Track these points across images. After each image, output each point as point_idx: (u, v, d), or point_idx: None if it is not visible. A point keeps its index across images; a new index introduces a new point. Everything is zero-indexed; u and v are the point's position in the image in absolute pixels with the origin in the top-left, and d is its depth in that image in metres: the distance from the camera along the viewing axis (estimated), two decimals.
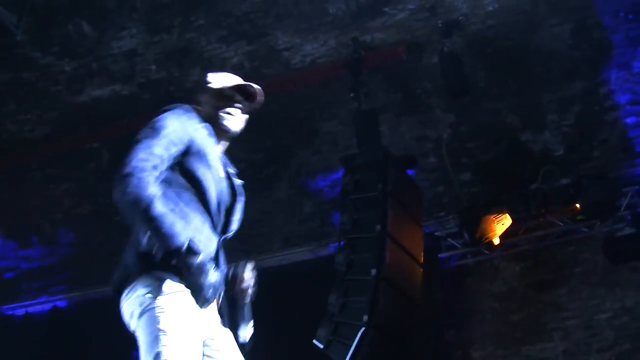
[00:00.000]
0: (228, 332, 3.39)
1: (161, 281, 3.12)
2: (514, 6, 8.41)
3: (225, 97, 3.51)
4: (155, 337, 3.05)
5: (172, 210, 3.12)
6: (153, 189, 3.05)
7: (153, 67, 8.97)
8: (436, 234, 9.09)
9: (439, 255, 9.02)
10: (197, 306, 3.17)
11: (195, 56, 8.66)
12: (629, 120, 9.04)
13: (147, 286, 3.13)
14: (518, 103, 9.05)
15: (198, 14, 8.61)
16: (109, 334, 9.39)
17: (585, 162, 9.10)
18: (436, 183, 9.22)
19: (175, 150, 3.21)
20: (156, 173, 3.11)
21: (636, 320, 8.79)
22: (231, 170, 3.60)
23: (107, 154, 9.79)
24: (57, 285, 10.39)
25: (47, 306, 10.36)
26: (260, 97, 3.57)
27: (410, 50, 8.52)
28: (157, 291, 3.11)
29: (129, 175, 3.04)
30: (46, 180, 10.10)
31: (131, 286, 3.17)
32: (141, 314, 3.13)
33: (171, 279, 3.12)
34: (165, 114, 3.32)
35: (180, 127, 3.26)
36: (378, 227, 7.14)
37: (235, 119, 3.51)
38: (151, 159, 3.12)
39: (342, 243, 7.42)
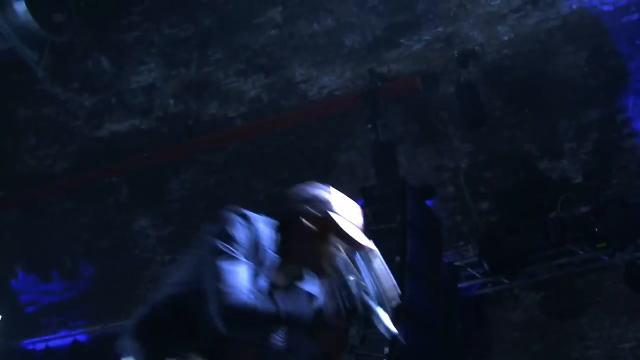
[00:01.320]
0: None
1: None
2: (529, 35, 8.45)
3: (337, 240, 2.91)
4: None
5: None
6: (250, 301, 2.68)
7: (171, 101, 9.06)
8: (455, 263, 9.05)
9: (458, 285, 8.98)
10: None
11: (213, 90, 8.76)
12: None
13: None
14: (535, 131, 9.04)
15: (215, 48, 8.71)
16: None
17: (604, 189, 9.06)
18: (455, 213, 9.20)
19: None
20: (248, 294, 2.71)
21: None
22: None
23: (126, 188, 9.86)
24: (77, 320, 10.42)
25: (68, 340, 10.38)
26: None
27: (427, 81, 8.55)
28: None
29: (228, 306, 2.66)
30: (66, 215, 10.17)
31: None
32: None
33: None
34: (236, 227, 2.81)
35: (250, 249, 2.80)
36: (397, 259, 7.13)
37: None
38: (239, 289, 2.70)
39: None
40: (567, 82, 8.80)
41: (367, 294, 2.92)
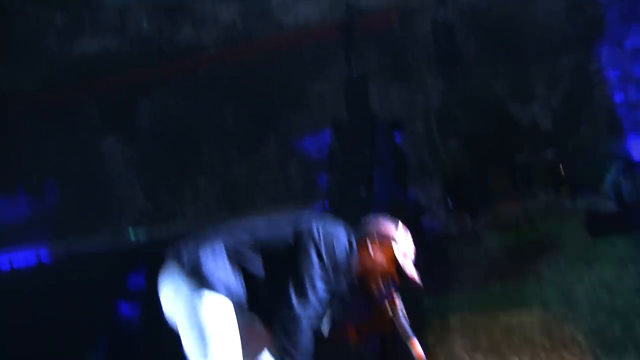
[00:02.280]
0: None
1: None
2: None
3: (390, 267, 3.31)
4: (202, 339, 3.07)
5: None
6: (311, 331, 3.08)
7: (144, 23, 8.94)
8: (420, 200, 9.13)
9: (422, 222, 9.08)
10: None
11: (187, 13, 8.63)
12: (617, 97, 9.09)
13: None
14: (509, 75, 9.08)
15: None
16: (94, 285, 9.48)
17: (572, 136, 9.15)
18: (423, 150, 9.25)
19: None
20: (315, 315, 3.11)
21: (612, 294, 8.89)
22: None
23: (96, 108, 9.77)
24: (42, 239, 10.40)
25: (32, 259, 10.37)
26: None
27: (403, 17, 8.51)
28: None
29: (294, 322, 3.04)
30: (34, 133, 10.08)
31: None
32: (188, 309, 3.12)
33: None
34: (338, 239, 3.19)
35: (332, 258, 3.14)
36: (363, 190, 7.18)
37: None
38: (311, 306, 3.09)
39: (326, 204, 7.47)
40: (543, 27, 8.81)
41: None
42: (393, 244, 3.32)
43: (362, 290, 3.34)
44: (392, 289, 3.34)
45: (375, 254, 3.29)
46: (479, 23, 8.84)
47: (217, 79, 9.06)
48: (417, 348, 3.32)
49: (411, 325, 3.38)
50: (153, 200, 9.84)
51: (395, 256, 3.31)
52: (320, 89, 9.01)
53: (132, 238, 9.68)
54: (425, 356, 3.36)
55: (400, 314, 3.34)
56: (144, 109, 9.53)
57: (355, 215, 7.02)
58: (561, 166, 8.62)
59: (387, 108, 8.84)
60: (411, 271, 3.33)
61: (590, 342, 8.87)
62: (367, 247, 3.29)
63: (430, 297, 9.27)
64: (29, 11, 9.33)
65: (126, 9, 8.96)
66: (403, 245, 3.35)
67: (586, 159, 8.63)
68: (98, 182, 9.79)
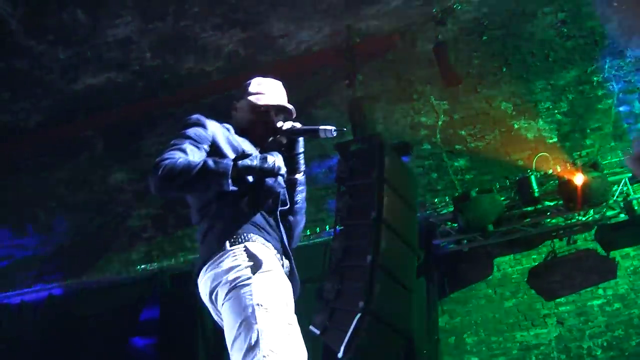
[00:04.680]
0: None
1: (243, 250, 3.32)
2: None
3: (262, 113, 3.74)
4: (246, 316, 3.16)
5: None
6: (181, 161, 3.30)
7: (148, 54, 8.96)
8: (430, 220, 9.11)
9: (433, 242, 9.05)
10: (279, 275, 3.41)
11: (190, 44, 8.65)
12: (621, 108, 9.09)
13: (231, 258, 3.30)
14: (512, 91, 9.09)
15: (192, 1, 8.59)
16: (104, 322, 9.47)
17: (578, 149, 9.14)
18: (430, 170, 9.25)
19: (200, 146, 3.45)
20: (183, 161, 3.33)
21: (628, 306, 8.85)
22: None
23: (102, 142, 9.79)
24: (52, 274, 10.40)
25: (43, 294, 10.36)
26: (293, 115, 3.79)
27: (405, 38, 8.53)
28: (243, 263, 3.29)
29: (158, 164, 3.31)
30: (41, 169, 10.10)
31: (212, 261, 3.35)
32: (228, 292, 3.25)
33: (249, 240, 3.34)
34: (187, 120, 3.59)
35: (201, 129, 3.52)
36: (373, 214, 7.16)
37: (267, 130, 3.73)
38: (177, 154, 3.36)
39: (337, 230, 7.44)
40: (544, 42, 8.83)
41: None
42: (248, 96, 3.78)
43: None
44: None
45: (241, 111, 3.79)
46: (480, 40, 8.86)
47: (222, 108, 9.06)
48: (326, 126, 3.65)
49: None
50: (163, 231, 9.85)
51: (252, 103, 3.75)
52: (326, 113, 9.03)
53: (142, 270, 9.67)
54: None
55: (291, 126, 3.73)
56: (150, 141, 9.55)
57: (367, 238, 7.02)
58: (570, 180, 8.59)
59: (393, 129, 8.85)
60: (275, 101, 3.78)
61: (608, 356, 8.84)
62: (235, 110, 3.82)
63: (446, 318, 9.25)
64: (32, 47, 9.36)
65: (129, 41, 8.98)
66: (258, 90, 3.80)
67: (594, 171, 8.60)
68: (106, 216, 9.80)
